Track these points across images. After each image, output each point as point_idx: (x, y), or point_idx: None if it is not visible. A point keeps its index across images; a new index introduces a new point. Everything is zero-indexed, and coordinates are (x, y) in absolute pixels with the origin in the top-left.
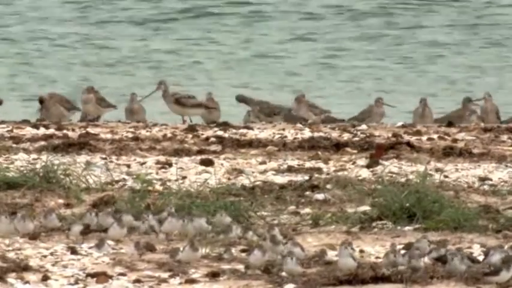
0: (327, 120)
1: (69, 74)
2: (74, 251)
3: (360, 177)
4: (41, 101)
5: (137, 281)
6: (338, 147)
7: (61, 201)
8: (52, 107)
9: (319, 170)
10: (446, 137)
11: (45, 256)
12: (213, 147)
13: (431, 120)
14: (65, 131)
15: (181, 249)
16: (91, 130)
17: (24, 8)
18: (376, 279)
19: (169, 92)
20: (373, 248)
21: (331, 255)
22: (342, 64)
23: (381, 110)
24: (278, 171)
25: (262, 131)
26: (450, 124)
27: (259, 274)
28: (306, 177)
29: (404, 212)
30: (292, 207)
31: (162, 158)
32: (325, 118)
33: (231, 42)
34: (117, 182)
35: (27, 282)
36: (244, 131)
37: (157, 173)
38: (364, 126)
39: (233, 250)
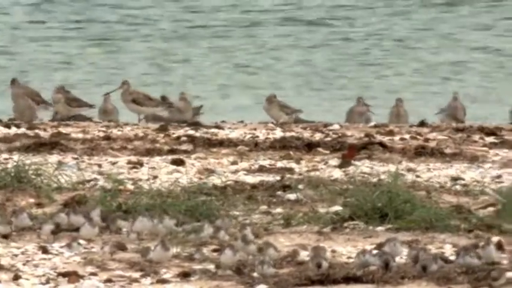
0: (299, 121)
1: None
2: (45, 251)
3: (331, 178)
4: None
5: (108, 280)
6: (310, 147)
7: (32, 200)
8: (20, 100)
9: (291, 170)
10: (418, 136)
11: (16, 255)
12: (184, 147)
13: (407, 120)
14: (36, 131)
15: (152, 248)
16: (63, 130)
17: None
18: (348, 279)
19: (128, 92)
20: (345, 248)
21: (303, 255)
22: None
23: (360, 109)
24: (249, 171)
25: (233, 131)
26: (422, 124)
27: (231, 274)
28: (278, 177)
29: (376, 212)
30: (263, 207)
31: (134, 158)
32: (296, 119)
33: None
34: (88, 181)
35: None
36: (216, 130)
37: (128, 173)
38: (336, 126)
39: (204, 250)
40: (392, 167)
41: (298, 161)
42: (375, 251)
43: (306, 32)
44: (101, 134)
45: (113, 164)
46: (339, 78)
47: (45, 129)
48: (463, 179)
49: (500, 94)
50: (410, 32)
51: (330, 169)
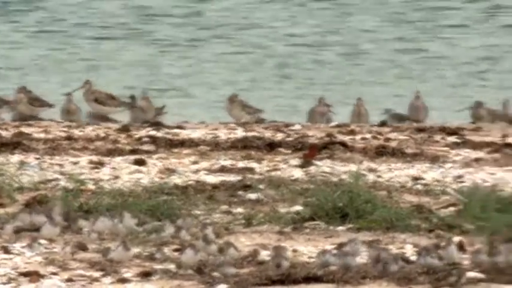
0: (259, 121)
1: None
2: (6, 251)
3: (292, 177)
4: None
5: (69, 280)
6: (271, 147)
7: None
8: None
9: (252, 170)
10: (379, 136)
11: None
12: (146, 147)
13: (367, 119)
14: None
15: (113, 248)
16: (24, 130)
17: None
18: (309, 279)
19: (90, 91)
20: (306, 248)
21: (263, 255)
22: None
23: (321, 109)
24: (211, 171)
25: (194, 131)
26: (383, 124)
27: (192, 274)
28: (239, 177)
29: (337, 212)
30: (224, 207)
31: (95, 158)
32: (258, 118)
33: None
34: (50, 181)
35: None
36: (177, 130)
37: (90, 173)
38: (297, 126)
39: (165, 249)
40: (353, 167)
41: (259, 161)
42: (335, 251)
43: None
44: (63, 134)
45: (75, 164)
46: (300, 78)
47: (6, 129)
48: (424, 179)
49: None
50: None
51: (291, 169)
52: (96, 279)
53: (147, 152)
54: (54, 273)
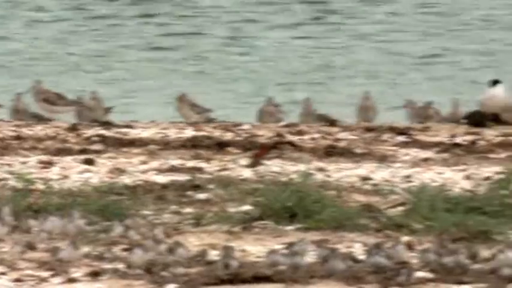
0: (210, 120)
1: None
2: None
3: (242, 177)
4: None
5: (18, 280)
6: (220, 146)
7: None
8: None
9: (201, 170)
10: (328, 136)
11: None
12: (95, 147)
13: (315, 119)
14: None
15: (62, 248)
16: None
17: None
18: (258, 278)
19: (39, 91)
20: (255, 248)
21: (212, 254)
22: None
23: (271, 109)
24: (160, 170)
25: (144, 130)
26: (332, 123)
27: (141, 273)
28: (188, 177)
29: (286, 211)
30: (174, 207)
31: (44, 157)
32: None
33: None
34: None
35: None
36: (127, 130)
37: (39, 172)
38: (247, 126)
39: (115, 249)
40: (302, 167)
41: (208, 161)
42: (284, 251)
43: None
44: (12, 134)
45: (24, 163)
46: (251, 78)
47: None
48: (373, 179)
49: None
50: None
51: (240, 168)
52: (45, 279)
53: (97, 151)
54: (3, 273)
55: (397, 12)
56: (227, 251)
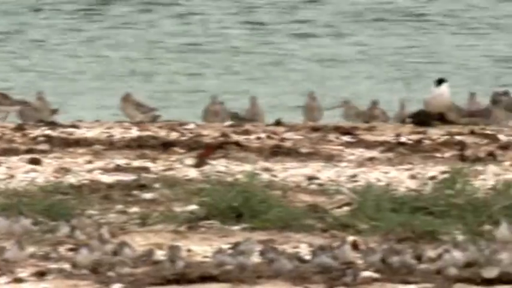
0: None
1: None
2: None
3: (187, 177)
4: None
5: None
6: (166, 146)
7: None
8: None
9: (147, 169)
10: (274, 136)
11: None
12: (41, 146)
13: (263, 119)
14: None
15: (8, 248)
16: None
17: None
18: (204, 278)
19: None
20: (201, 247)
21: (158, 254)
22: None
23: (216, 108)
24: (105, 170)
25: (89, 130)
26: (278, 123)
27: (87, 273)
28: (134, 177)
29: (232, 211)
30: (119, 206)
31: None
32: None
33: None
34: None
35: None
36: (72, 130)
37: None
38: (192, 126)
39: (61, 249)
40: (248, 167)
41: (154, 160)
42: (230, 251)
43: None
44: None
45: None
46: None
47: None
48: (319, 178)
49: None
50: None
51: (185, 168)
52: None
53: (43, 151)
54: None
55: None
56: (173, 250)
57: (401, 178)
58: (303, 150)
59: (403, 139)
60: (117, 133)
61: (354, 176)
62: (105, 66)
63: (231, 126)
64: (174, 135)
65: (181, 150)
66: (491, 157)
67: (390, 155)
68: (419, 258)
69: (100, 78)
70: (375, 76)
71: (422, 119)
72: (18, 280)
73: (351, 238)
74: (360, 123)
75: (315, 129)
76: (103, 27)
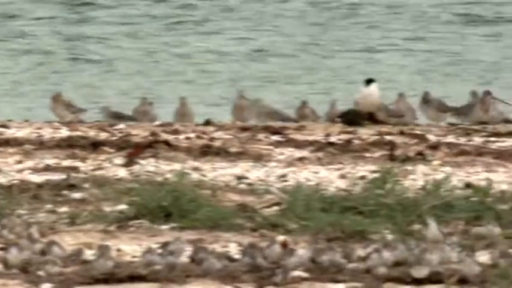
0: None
1: None
2: None
3: (117, 176)
4: None
5: None
6: (95, 146)
7: None
8: None
9: (76, 169)
10: (203, 135)
11: None
12: None
13: (192, 119)
14: None
15: None
16: None
17: None
18: (133, 278)
19: None
20: (131, 247)
21: (88, 254)
22: None
23: (144, 108)
24: (35, 170)
25: (19, 130)
26: (208, 123)
27: (16, 273)
28: (63, 176)
29: (161, 210)
30: (49, 206)
31: None
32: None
33: None
34: None
35: None
36: (2, 129)
37: None
38: (121, 125)
39: None
40: (177, 166)
41: (83, 160)
42: (159, 250)
43: None
44: None
45: None
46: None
47: None
48: (248, 178)
49: None
50: None
51: (115, 168)
52: None
53: None
54: None
55: None
56: (103, 250)
57: (331, 178)
58: (232, 149)
59: (332, 139)
60: (47, 133)
61: (284, 175)
62: None
63: (160, 125)
64: (103, 135)
65: (111, 150)
66: (421, 157)
67: (320, 154)
68: (348, 257)
69: None
70: None
71: (352, 118)
72: None
73: (280, 237)
74: (289, 123)
75: (245, 128)
76: None
